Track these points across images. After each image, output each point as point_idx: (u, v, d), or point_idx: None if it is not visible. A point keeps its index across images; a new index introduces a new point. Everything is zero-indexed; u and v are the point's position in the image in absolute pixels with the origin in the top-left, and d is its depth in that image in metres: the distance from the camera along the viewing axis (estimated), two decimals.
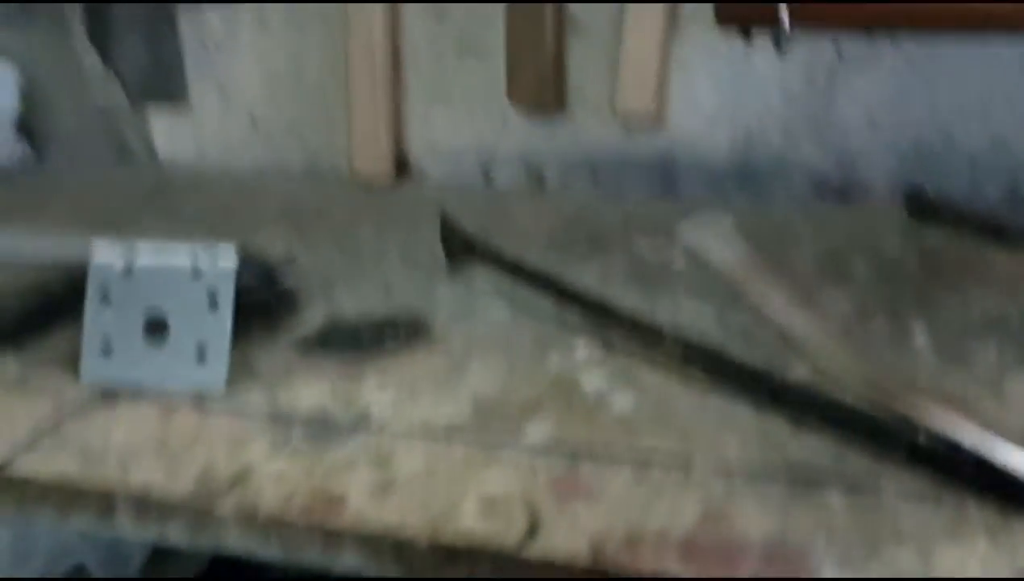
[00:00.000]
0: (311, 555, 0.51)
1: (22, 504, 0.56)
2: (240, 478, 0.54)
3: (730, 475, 0.53)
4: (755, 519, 0.50)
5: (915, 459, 0.52)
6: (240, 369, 0.65)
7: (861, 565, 0.46)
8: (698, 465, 0.54)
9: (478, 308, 0.74)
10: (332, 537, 0.51)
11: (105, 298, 0.64)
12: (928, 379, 0.61)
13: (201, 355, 0.63)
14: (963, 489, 0.50)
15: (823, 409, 0.56)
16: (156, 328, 0.64)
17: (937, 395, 0.58)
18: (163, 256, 0.65)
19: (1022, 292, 0.71)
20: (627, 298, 0.72)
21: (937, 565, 0.46)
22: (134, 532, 0.54)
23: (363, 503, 0.52)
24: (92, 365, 0.64)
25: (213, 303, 0.63)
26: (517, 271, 0.74)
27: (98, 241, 0.66)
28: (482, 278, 0.77)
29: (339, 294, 0.76)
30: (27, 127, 1.07)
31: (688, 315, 0.70)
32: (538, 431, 0.58)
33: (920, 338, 0.66)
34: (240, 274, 0.64)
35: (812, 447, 0.55)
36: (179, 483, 0.54)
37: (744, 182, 0.95)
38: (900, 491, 0.51)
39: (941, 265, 0.78)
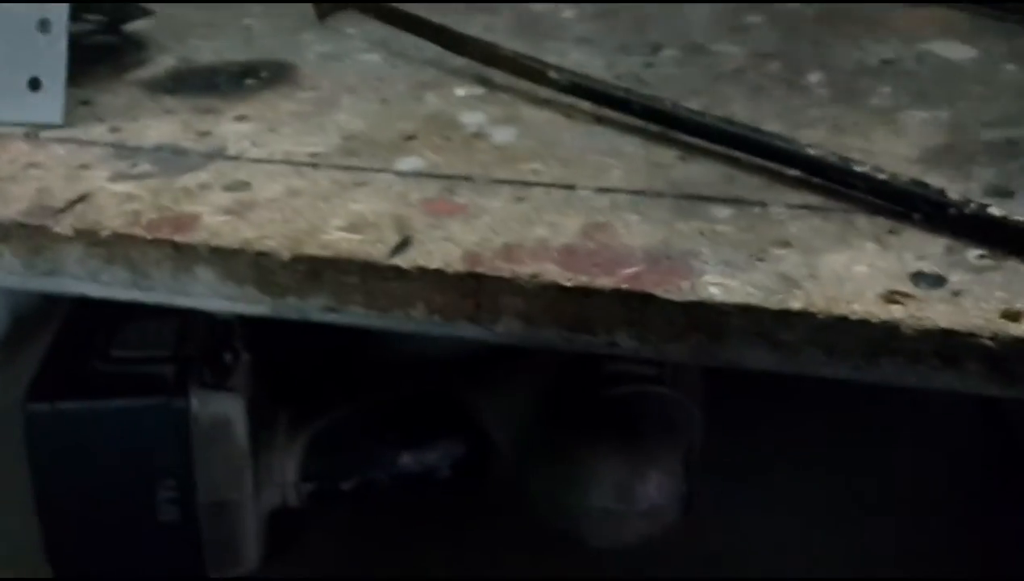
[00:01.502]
0: (160, 276, 0.47)
1: None
2: (81, 199, 0.49)
3: (614, 193, 0.50)
4: (638, 230, 0.47)
5: (806, 171, 0.50)
6: (81, 107, 0.59)
7: (745, 268, 0.44)
8: (581, 187, 0.51)
9: (349, 53, 0.68)
10: (184, 252, 0.46)
11: None
12: (822, 114, 0.59)
13: (34, 84, 0.56)
14: (853, 203, 0.49)
15: (712, 132, 0.54)
16: None
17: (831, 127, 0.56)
18: None
19: (919, 40, 0.68)
20: (513, 46, 0.68)
21: (823, 267, 0.44)
22: None
23: (218, 221, 0.48)
24: None
25: (45, 27, 0.56)
26: (393, 17, 0.69)
27: None
28: (354, 27, 0.72)
29: (194, 42, 0.70)
30: None
31: (577, 61, 0.66)
32: (411, 162, 0.54)
33: (814, 79, 0.63)
34: (78, 10, 0.58)
35: (700, 171, 0.52)
36: (10, 207, 0.49)
37: None
38: (788, 204, 0.49)
39: (837, 17, 0.75)
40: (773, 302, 0.42)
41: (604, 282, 0.43)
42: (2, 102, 0.56)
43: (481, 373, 0.69)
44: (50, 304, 0.85)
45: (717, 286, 0.43)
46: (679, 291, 0.43)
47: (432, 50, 0.68)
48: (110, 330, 0.62)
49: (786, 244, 0.46)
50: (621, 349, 0.45)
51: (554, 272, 0.44)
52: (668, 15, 0.74)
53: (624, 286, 0.43)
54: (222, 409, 0.59)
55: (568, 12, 0.76)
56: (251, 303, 0.47)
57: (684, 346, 0.44)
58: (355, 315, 0.47)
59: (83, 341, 0.62)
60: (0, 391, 0.79)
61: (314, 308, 0.47)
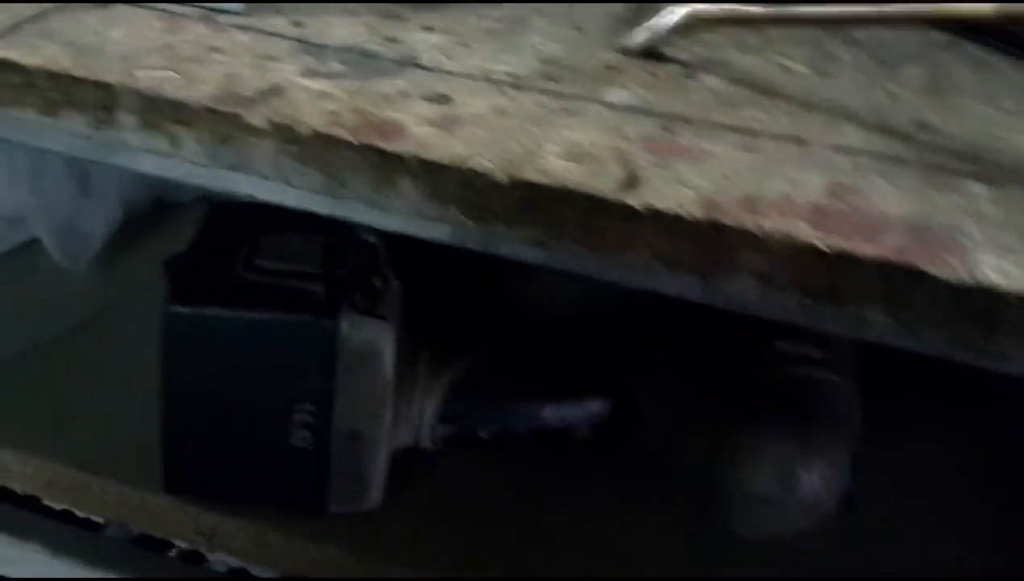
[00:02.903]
0: (360, 185, 0.43)
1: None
2: (274, 92, 0.45)
3: (854, 154, 0.45)
4: (892, 197, 0.42)
5: None
6: None
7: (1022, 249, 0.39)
8: (814, 142, 0.46)
9: None
10: (389, 162, 0.42)
11: None
12: None
13: None
14: None
15: None
16: None
17: None
18: None
19: None
20: None
21: None
22: (140, 142, 0.45)
23: (425, 132, 0.43)
24: None
25: None
26: None
27: None
28: None
29: None
30: None
31: None
32: (620, 94, 0.49)
33: None
34: None
35: (943, 142, 0.47)
36: (198, 89, 0.45)
37: None
38: None
39: None
40: None
41: (866, 250, 0.39)
42: None
43: (634, 334, 0.65)
44: (164, 210, 0.82)
45: (995, 270, 0.38)
46: (951, 270, 0.38)
47: None
48: (254, 239, 0.58)
49: None
50: (868, 326, 0.40)
51: (806, 232, 0.39)
52: None
53: (889, 257, 0.38)
54: (372, 336, 0.55)
55: None
56: (452, 226, 0.43)
57: (945, 334, 0.39)
58: (565, 253, 0.42)
59: (227, 247, 0.58)
60: (110, 289, 0.76)
61: (521, 240, 0.42)
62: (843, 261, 0.39)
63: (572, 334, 0.66)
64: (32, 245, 0.77)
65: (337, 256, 0.58)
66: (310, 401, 0.55)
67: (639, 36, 0.52)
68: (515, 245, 0.43)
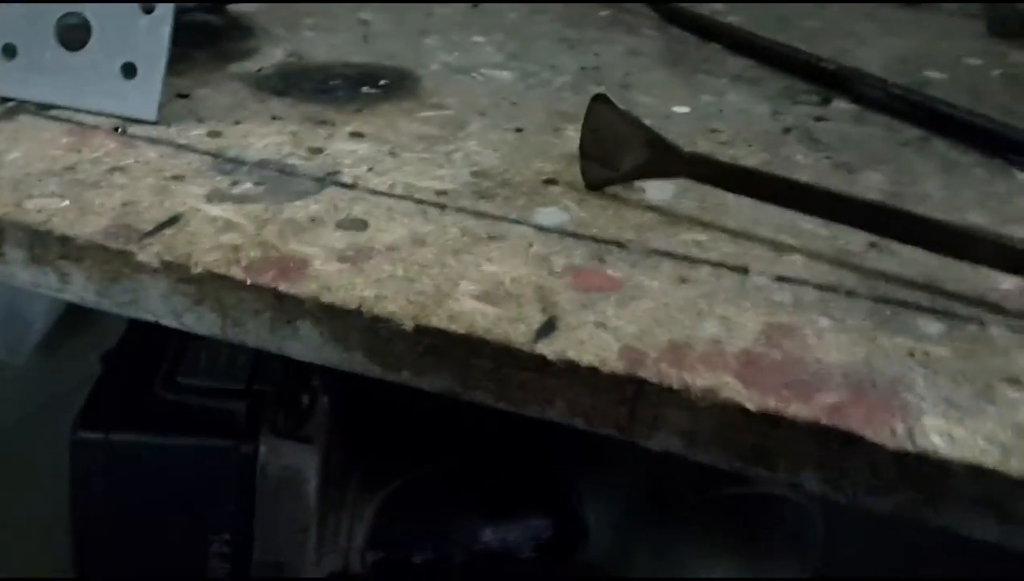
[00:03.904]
0: (257, 326, 0.40)
1: None
2: (172, 222, 0.42)
3: (796, 285, 0.42)
4: (832, 341, 0.39)
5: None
6: (176, 101, 0.52)
7: (972, 412, 0.36)
8: (755, 272, 0.43)
9: (478, 66, 0.60)
10: (288, 304, 0.39)
11: None
12: None
13: (129, 71, 0.49)
14: None
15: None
16: (74, 32, 0.50)
17: None
18: None
19: None
20: (654, 77, 0.60)
21: None
22: (28, 277, 0.42)
23: (331, 270, 0.40)
24: None
25: (148, 7, 0.49)
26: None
27: None
28: (483, 35, 0.64)
29: (305, 33, 0.62)
30: None
31: (734, 104, 0.58)
32: (553, 214, 0.46)
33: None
34: None
35: (897, 268, 0.44)
36: (90, 222, 0.42)
37: None
38: (1010, 326, 0.40)
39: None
40: (1015, 467, 0.33)
41: (797, 411, 0.35)
42: (92, 87, 0.49)
43: (578, 449, 0.61)
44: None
45: (940, 435, 0.35)
46: (892, 436, 0.35)
47: (571, 70, 0.61)
48: (177, 351, 0.55)
49: (1016, 382, 0.37)
50: (803, 489, 0.37)
51: (734, 389, 0.36)
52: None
53: (823, 420, 0.35)
54: (294, 461, 0.52)
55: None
56: (356, 367, 0.40)
57: (887, 501, 0.35)
58: (480, 399, 0.39)
59: (146, 359, 0.55)
60: (52, 382, 0.73)
61: (432, 386, 0.39)
62: (772, 423, 0.35)
63: (512, 450, 0.62)
64: None
65: (264, 371, 0.54)
66: (228, 530, 0.52)
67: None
68: (427, 388, 0.40)
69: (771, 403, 0.35)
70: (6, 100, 0.50)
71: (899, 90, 0.59)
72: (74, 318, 0.75)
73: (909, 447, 0.34)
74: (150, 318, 0.42)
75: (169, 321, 0.41)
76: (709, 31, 0.67)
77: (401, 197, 0.46)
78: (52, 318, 0.74)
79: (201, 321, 0.40)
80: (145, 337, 0.58)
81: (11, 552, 0.59)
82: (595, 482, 0.61)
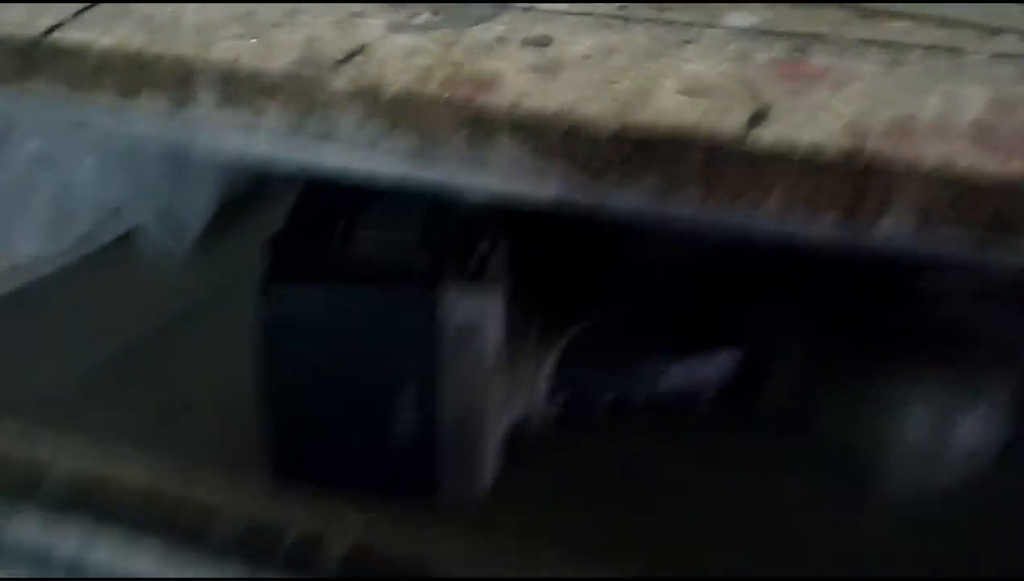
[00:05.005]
0: (455, 144, 0.39)
1: (76, 83, 0.43)
2: (360, 51, 0.41)
3: (1018, 60, 0.39)
4: None
5: None
6: None
7: None
8: (970, 52, 0.40)
9: None
10: (487, 115, 0.38)
11: None
12: None
13: None
14: None
15: None
16: None
17: None
18: None
19: None
20: None
21: None
22: (221, 119, 0.42)
23: (523, 82, 0.39)
24: None
25: None
26: None
27: None
28: None
29: None
30: None
31: None
32: (742, 17, 0.44)
33: None
34: None
35: None
36: (278, 57, 0.41)
37: None
38: None
39: None
40: None
41: None
42: None
43: (758, 283, 0.59)
44: (264, 186, 0.79)
45: None
46: None
47: None
48: (353, 209, 0.55)
49: None
50: None
51: (971, 157, 0.34)
52: None
53: None
54: (476, 307, 0.51)
55: None
56: (555, 185, 0.39)
57: None
58: (685, 204, 0.38)
59: (325, 220, 0.55)
60: (214, 273, 0.74)
61: (637, 193, 0.38)
62: (1014, 187, 0.33)
63: (692, 290, 0.60)
64: (131, 234, 0.76)
65: (440, 222, 0.54)
66: (415, 379, 0.52)
67: None
68: (630, 199, 0.38)
69: (1014, 166, 0.33)
70: None
71: None
72: (231, 213, 0.76)
73: None
74: (339, 160, 0.42)
75: (361, 156, 0.41)
76: None
77: (581, 14, 0.44)
78: (210, 212, 0.75)
79: (395, 151, 0.40)
80: (314, 211, 0.58)
81: (198, 427, 0.61)
82: (777, 318, 0.59)
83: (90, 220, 0.76)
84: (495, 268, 0.55)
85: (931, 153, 0.34)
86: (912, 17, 0.43)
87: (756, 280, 0.61)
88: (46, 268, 0.73)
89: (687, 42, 0.41)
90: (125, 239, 0.76)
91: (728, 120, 0.36)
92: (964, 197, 0.34)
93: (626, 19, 0.43)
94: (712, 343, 0.60)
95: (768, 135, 0.35)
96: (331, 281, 0.53)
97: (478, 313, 0.53)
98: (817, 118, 0.36)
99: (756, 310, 0.61)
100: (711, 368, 0.59)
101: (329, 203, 0.57)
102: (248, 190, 0.80)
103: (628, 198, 0.38)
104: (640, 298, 0.61)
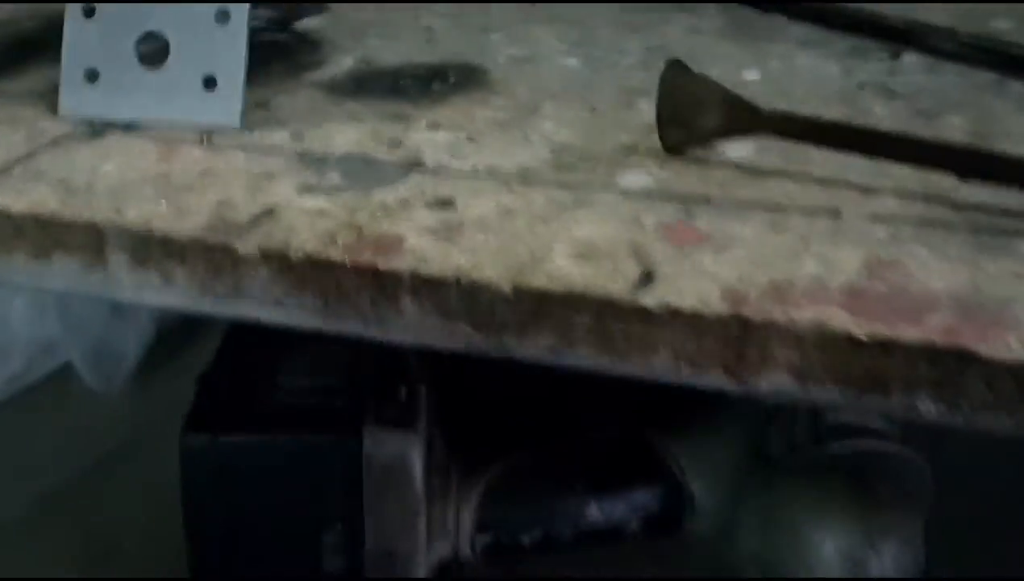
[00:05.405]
0: (359, 306, 0.40)
1: None
2: (267, 214, 0.43)
3: (891, 223, 0.42)
4: (935, 269, 0.38)
5: None
6: (257, 109, 0.53)
7: None
8: (849, 213, 0.43)
9: (544, 57, 0.61)
10: (388, 281, 0.39)
11: (89, 11, 0.51)
12: None
13: (209, 83, 0.51)
14: None
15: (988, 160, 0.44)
16: (153, 49, 0.51)
17: None
18: None
19: None
20: (720, 49, 0.61)
21: None
22: (132, 280, 0.43)
23: (424, 244, 0.41)
24: (73, 94, 0.51)
25: (223, 17, 0.51)
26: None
27: None
28: (544, 28, 0.65)
29: (372, 42, 0.64)
30: None
31: (806, 66, 0.58)
32: (636, 178, 0.46)
33: None
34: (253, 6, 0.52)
35: (990, 197, 0.43)
36: (188, 221, 0.43)
37: None
38: None
39: None
40: None
41: (908, 334, 0.35)
42: (174, 101, 0.51)
43: (677, 416, 0.61)
44: (192, 324, 0.80)
45: None
46: (1008, 350, 0.34)
47: (636, 52, 0.61)
48: (276, 354, 0.56)
49: None
50: (919, 414, 0.36)
51: (842, 319, 0.36)
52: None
53: (936, 340, 0.35)
54: (399, 449, 0.52)
55: None
56: (458, 340, 0.40)
57: (1007, 419, 0.35)
58: (582, 359, 0.39)
59: (246, 365, 0.56)
60: (141, 412, 0.75)
61: (534, 349, 0.39)
62: (884, 348, 0.35)
63: (614, 423, 0.62)
64: (64, 370, 0.76)
65: (362, 367, 0.55)
66: (340, 522, 0.52)
67: None
68: (530, 353, 0.40)
69: (881, 329, 0.35)
70: (92, 122, 0.52)
71: (969, 38, 0.59)
72: (164, 348, 0.77)
73: None
74: (252, 314, 0.43)
75: (271, 312, 0.42)
76: (768, 1, 0.67)
77: (484, 177, 0.46)
78: (143, 349, 0.76)
79: (303, 307, 0.41)
80: (239, 352, 0.59)
81: (127, 568, 0.61)
82: (696, 450, 0.61)
83: (23, 357, 0.76)
84: (416, 411, 0.56)
85: (805, 315, 0.36)
86: (795, 178, 0.45)
87: (670, 411, 0.63)
88: None
89: (580, 204, 0.43)
90: (57, 376, 0.77)
91: (615, 283, 0.38)
92: (837, 358, 0.36)
93: (527, 181, 0.46)
94: (633, 476, 0.61)
95: (653, 297, 0.37)
96: (256, 427, 0.54)
97: (398, 456, 0.54)
98: (699, 281, 0.38)
99: (669, 442, 0.63)
100: (634, 500, 0.61)
101: (255, 342, 0.58)
102: (179, 327, 0.81)
103: (527, 352, 0.40)
104: (560, 434, 0.63)
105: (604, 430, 0.62)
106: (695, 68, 0.48)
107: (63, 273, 0.44)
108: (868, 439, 0.56)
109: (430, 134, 0.51)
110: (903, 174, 0.45)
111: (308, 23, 0.65)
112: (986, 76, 0.56)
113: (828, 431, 0.57)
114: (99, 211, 0.43)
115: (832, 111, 0.52)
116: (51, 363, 0.75)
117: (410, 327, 0.40)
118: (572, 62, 0.60)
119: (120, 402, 0.75)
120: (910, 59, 0.59)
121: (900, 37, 0.61)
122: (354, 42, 0.63)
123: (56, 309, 0.74)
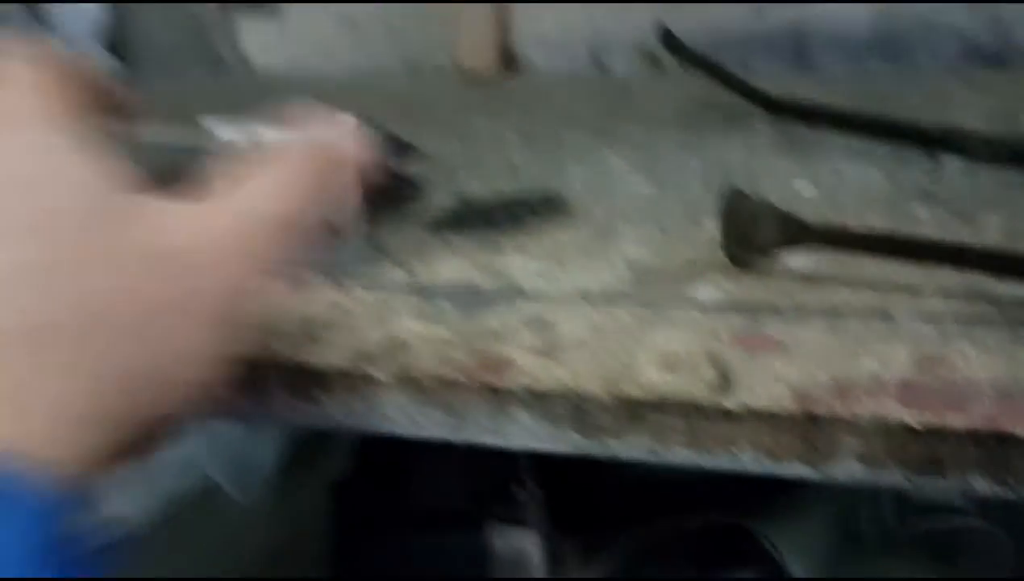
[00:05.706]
0: (479, 418, 0.47)
1: None
2: (394, 343, 0.50)
3: (938, 322, 0.48)
4: (978, 362, 0.44)
5: None
6: (371, 249, 0.61)
7: None
8: (899, 314, 0.49)
9: (616, 183, 0.68)
10: (502, 396, 0.46)
11: None
12: None
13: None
14: None
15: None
16: None
17: None
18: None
19: None
20: (773, 163, 0.67)
21: None
22: (286, 408, 0.50)
23: (530, 363, 0.48)
24: None
25: None
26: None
27: (212, 119, 0.62)
28: (615, 153, 0.72)
29: (464, 178, 0.71)
30: (115, 38, 1.04)
31: (853, 176, 0.65)
32: (708, 291, 0.53)
33: None
34: None
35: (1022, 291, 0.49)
36: (329, 353, 0.50)
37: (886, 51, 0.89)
38: None
39: None
40: None
41: (956, 421, 0.41)
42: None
43: (771, 502, 0.66)
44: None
45: None
46: None
47: (697, 170, 0.68)
48: (402, 468, 0.63)
49: None
50: (975, 492, 0.42)
51: (897, 410, 0.42)
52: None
53: (980, 426, 0.40)
54: (518, 543, 0.59)
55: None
56: (567, 444, 0.47)
57: None
58: (676, 456, 0.46)
59: (380, 476, 0.63)
60: (274, 531, 0.81)
61: (634, 449, 0.46)
62: (936, 434, 0.41)
63: (714, 510, 0.68)
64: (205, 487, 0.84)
65: (479, 472, 0.62)
66: None
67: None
68: (631, 453, 0.46)
69: (931, 418, 0.41)
70: None
71: (999, 143, 0.65)
72: (299, 458, 0.84)
73: None
74: (387, 428, 0.50)
75: (401, 424, 0.49)
76: (814, 115, 0.74)
77: (574, 297, 0.53)
78: (279, 460, 0.83)
79: (430, 421, 0.48)
80: (371, 462, 0.66)
81: None
82: (791, 533, 0.66)
83: (167, 475, 0.84)
84: (531, 508, 0.62)
85: (865, 409, 0.42)
86: (849, 284, 0.52)
87: (764, 498, 0.68)
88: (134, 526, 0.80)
89: (660, 319, 0.50)
90: (200, 493, 0.84)
91: (697, 388, 0.44)
92: (895, 445, 0.41)
93: (612, 300, 0.52)
94: (736, 558, 0.66)
95: (732, 400, 0.44)
96: (395, 528, 0.61)
97: (519, 547, 0.60)
98: (771, 382, 0.44)
99: (771, 524, 0.68)
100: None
101: (385, 456, 0.66)
102: (315, 436, 0.88)
103: (628, 453, 0.46)
104: (664, 520, 0.69)
105: (703, 519, 0.68)
106: (752, 182, 0.55)
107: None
108: (950, 516, 0.61)
109: (524, 261, 0.58)
110: (945, 274, 0.51)
111: (407, 166, 0.73)
112: (1019, 176, 0.62)
113: (913, 509, 0.62)
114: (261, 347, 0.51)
115: (878, 215, 0.59)
116: (192, 478, 0.83)
117: (524, 435, 0.47)
118: (640, 184, 0.68)
119: (259, 512, 0.82)
120: (948, 163, 0.65)
121: (937, 143, 0.67)
122: (447, 180, 0.71)
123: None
